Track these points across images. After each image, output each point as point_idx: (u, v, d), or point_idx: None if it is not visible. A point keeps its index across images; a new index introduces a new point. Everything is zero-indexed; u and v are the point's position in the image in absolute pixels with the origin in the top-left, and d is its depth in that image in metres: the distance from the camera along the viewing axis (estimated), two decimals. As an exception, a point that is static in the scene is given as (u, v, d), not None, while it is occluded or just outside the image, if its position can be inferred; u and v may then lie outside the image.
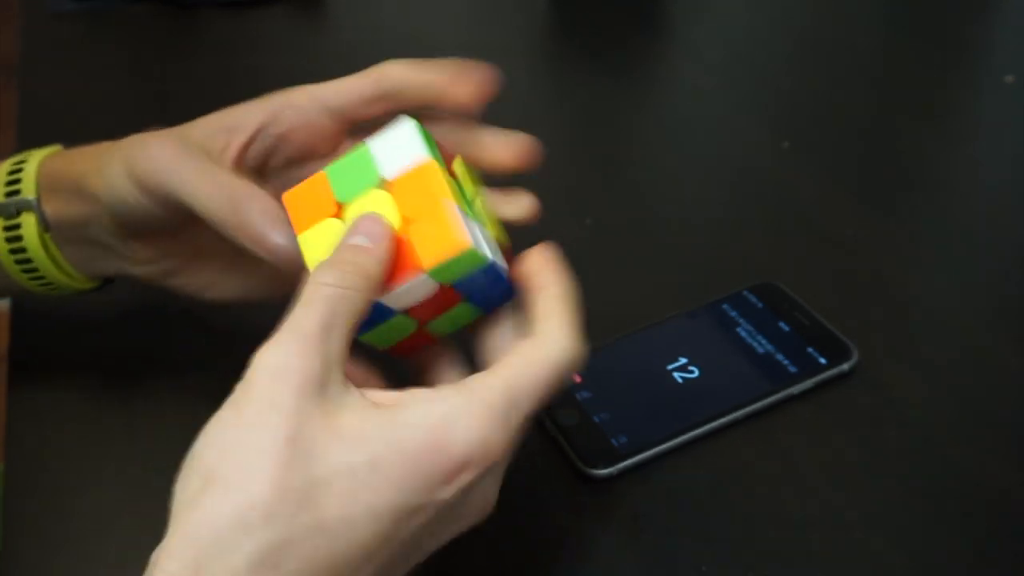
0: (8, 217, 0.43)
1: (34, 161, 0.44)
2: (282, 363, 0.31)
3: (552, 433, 0.44)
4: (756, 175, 0.62)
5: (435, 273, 0.34)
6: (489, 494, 0.34)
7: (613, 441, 0.44)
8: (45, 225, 0.43)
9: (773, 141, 0.65)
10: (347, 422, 0.30)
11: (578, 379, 0.46)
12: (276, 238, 0.38)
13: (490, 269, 0.35)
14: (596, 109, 0.70)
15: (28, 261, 0.44)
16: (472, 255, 0.34)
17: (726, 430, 0.45)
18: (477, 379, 0.33)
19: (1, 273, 0.45)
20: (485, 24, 0.81)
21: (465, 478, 0.31)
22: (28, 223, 0.43)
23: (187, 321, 0.51)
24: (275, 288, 0.43)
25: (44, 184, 0.43)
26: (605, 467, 0.43)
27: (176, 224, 0.42)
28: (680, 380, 0.46)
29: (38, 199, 0.43)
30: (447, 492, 0.31)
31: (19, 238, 0.43)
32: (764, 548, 0.40)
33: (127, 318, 0.52)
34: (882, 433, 0.45)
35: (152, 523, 0.43)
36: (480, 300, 0.37)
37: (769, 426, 0.45)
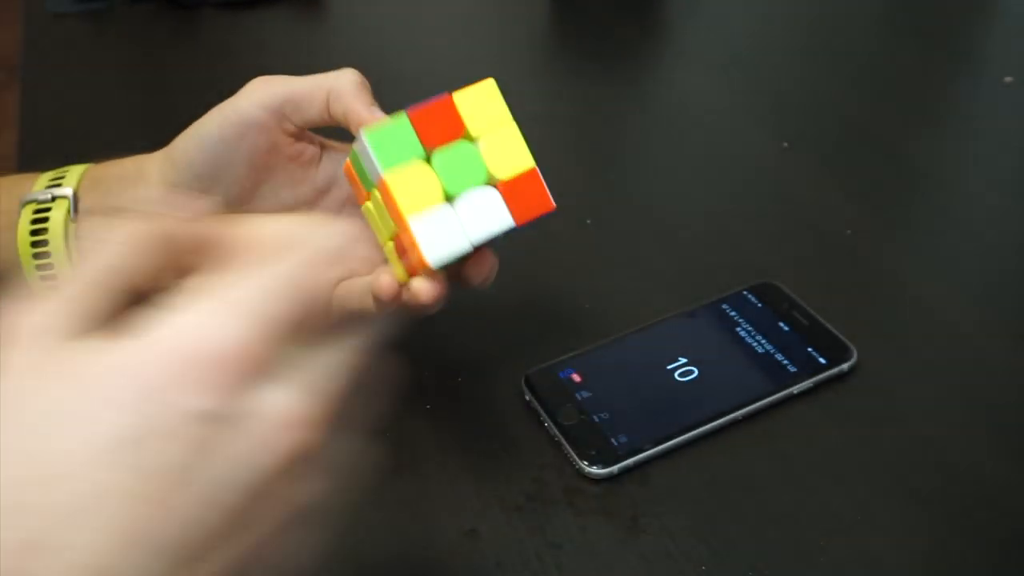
0: (41, 203, 0.45)
1: (82, 166, 0.47)
2: (21, 319, 0.27)
3: (552, 433, 0.44)
4: (756, 175, 0.62)
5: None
6: (273, 407, 0.26)
7: (613, 441, 0.44)
8: (74, 215, 0.45)
9: (773, 141, 0.65)
10: (66, 359, 0.25)
11: (578, 379, 0.46)
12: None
13: None
14: (596, 109, 0.70)
15: (45, 247, 0.45)
16: None
17: (726, 430, 0.45)
18: None
19: (8, 267, 0.45)
20: (485, 24, 0.81)
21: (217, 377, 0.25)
22: (59, 207, 0.45)
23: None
24: None
25: (86, 182, 0.46)
26: (605, 467, 0.43)
27: (238, 199, 0.44)
28: (680, 380, 0.46)
29: (75, 192, 0.45)
30: (192, 398, 0.25)
31: (45, 219, 0.45)
32: (764, 548, 0.40)
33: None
34: (882, 433, 0.45)
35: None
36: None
37: (769, 426, 0.45)
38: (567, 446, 0.44)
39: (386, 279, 0.38)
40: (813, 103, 0.70)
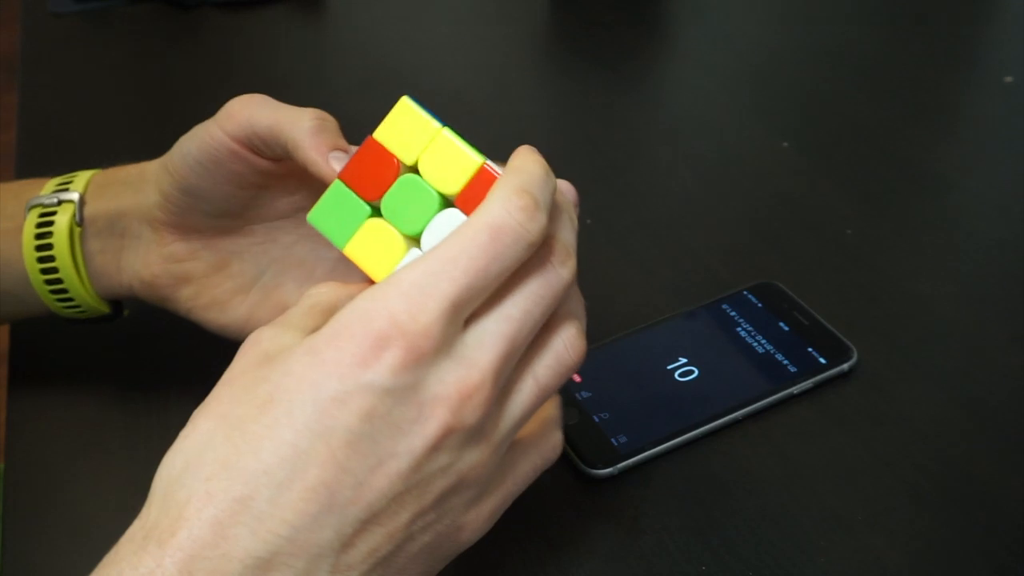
0: (47, 206, 0.45)
1: (89, 172, 0.47)
2: (251, 337, 0.33)
3: (552, 433, 0.44)
4: (756, 175, 0.62)
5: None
6: (453, 382, 0.30)
7: (613, 441, 0.44)
8: (80, 219, 0.45)
9: (773, 141, 0.65)
10: (278, 355, 0.31)
11: (578, 379, 0.46)
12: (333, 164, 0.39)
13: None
14: (596, 109, 0.70)
15: (49, 251, 0.45)
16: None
17: (726, 430, 0.45)
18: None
19: (14, 282, 0.46)
20: (485, 24, 0.81)
21: (387, 357, 0.29)
22: (64, 211, 0.45)
23: (188, 322, 0.51)
24: None
25: (93, 187, 0.46)
26: (605, 467, 0.43)
27: (229, 213, 0.44)
28: (680, 380, 0.46)
29: (82, 197, 0.45)
30: (369, 375, 0.29)
31: (50, 223, 0.45)
32: (764, 548, 0.40)
33: (127, 319, 0.52)
34: (882, 433, 0.45)
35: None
36: None
37: (769, 426, 0.45)
38: (567, 446, 0.44)
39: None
40: (813, 103, 0.70)
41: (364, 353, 0.29)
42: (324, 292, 0.35)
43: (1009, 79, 0.71)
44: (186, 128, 0.43)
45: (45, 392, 0.49)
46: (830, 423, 0.45)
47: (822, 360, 0.47)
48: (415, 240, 0.35)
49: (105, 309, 0.47)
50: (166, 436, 0.46)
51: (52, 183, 0.46)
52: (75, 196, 0.45)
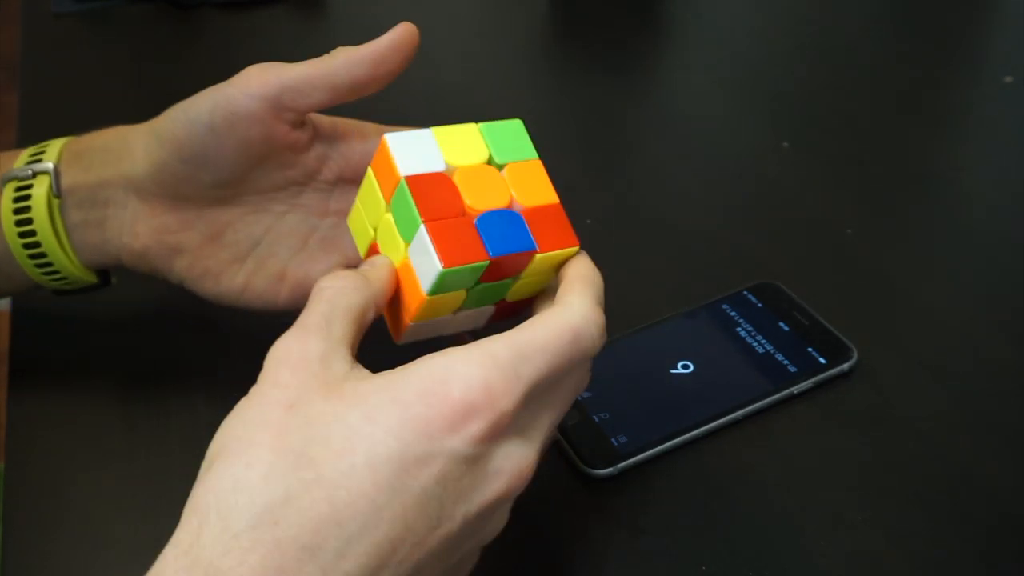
0: (22, 180, 0.44)
1: (61, 140, 0.46)
2: (284, 348, 0.32)
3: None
4: (756, 175, 0.62)
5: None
6: (517, 459, 0.32)
7: (613, 441, 0.44)
8: (57, 190, 0.44)
9: (773, 141, 0.65)
10: (348, 388, 0.31)
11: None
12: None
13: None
14: (596, 109, 0.70)
15: (29, 225, 0.44)
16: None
17: (726, 430, 0.45)
18: (486, 339, 0.33)
19: (3, 259, 0.45)
20: (485, 24, 0.81)
21: (473, 427, 0.30)
22: (40, 183, 0.44)
23: (188, 322, 0.51)
24: (274, 294, 0.45)
25: (67, 155, 0.45)
26: (605, 467, 0.43)
27: (228, 183, 0.43)
28: (680, 380, 0.46)
29: (56, 167, 0.44)
30: (454, 441, 0.30)
31: (27, 197, 0.44)
32: (764, 548, 0.40)
33: (127, 319, 0.52)
34: (882, 433, 0.45)
35: (152, 522, 0.43)
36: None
37: (769, 426, 0.45)
38: (567, 446, 0.44)
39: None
40: (813, 103, 0.70)
41: (455, 418, 0.30)
42: (348, 294, 0.35)
43: (1009, 79, 0.71)
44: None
45: (45, 392, 0.49)
46: (830, 423, 0.45)
47: (822, 360, 0.47)
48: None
49: (92, 279, 0.47)
50: (166, 436, 0.46)
51: (25, 154, 0.45)
52: (49, 167, 0.44)
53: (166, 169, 0.42)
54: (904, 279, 0.53)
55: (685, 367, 0.47)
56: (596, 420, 0.45)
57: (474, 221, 0.36)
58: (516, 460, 0.32)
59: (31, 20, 0.82)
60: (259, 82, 0.40)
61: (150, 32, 0.80)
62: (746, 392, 0.46)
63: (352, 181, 0.44)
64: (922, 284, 0.53)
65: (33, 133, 0.67)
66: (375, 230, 0.39)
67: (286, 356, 0.32)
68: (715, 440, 0.44)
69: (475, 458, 0.31)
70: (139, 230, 0.44)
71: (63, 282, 0.46)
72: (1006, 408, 0.46)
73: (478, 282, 0.36)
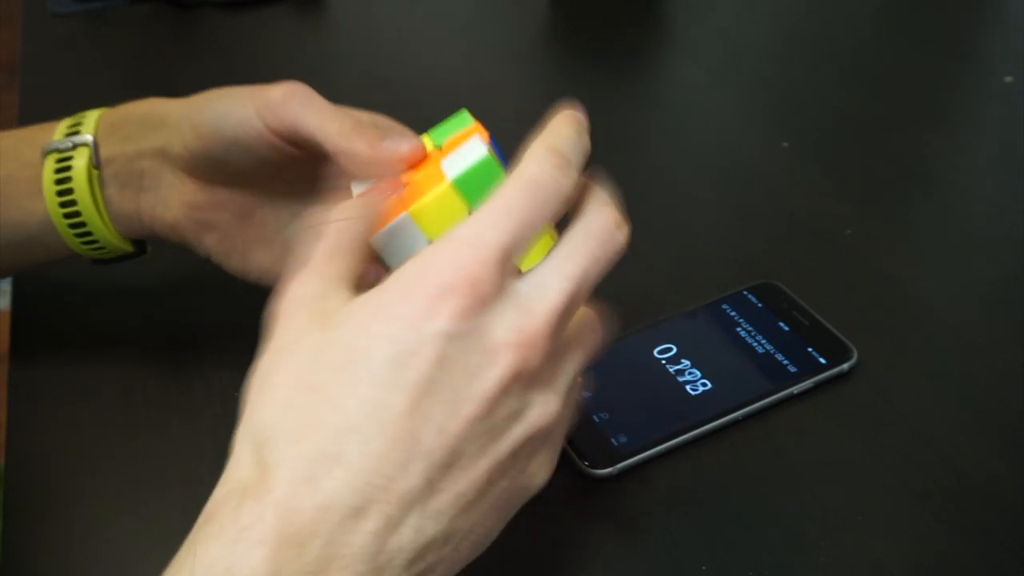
0: (63, 151, 0.45)
1: (97, 111, 0.47)
2: (287, 296, 0.34)
3: (552, 433, 0.44)
4: (756, 175, 0.62)
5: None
6: (517, 327, 0.32)
7: (613, 441, 0.44)
8: (96, 161, 0.45)
9: (773, 141, 0.65)
10: (342, 314, 0.32)
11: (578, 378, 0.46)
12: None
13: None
14: (596, 109, 0.69)
15: (70, 195, 0.45)
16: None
17: (726, 430, 0.45)
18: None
19: (39, 229, 0.46)
20: (485, 24, 0.81)
21: (453, 304, 0.31)
22: (80, 155, 0.45)
23: (188, 321, 0.51)
24: None
25: (103, 126, 0.46)
26: (605, 467, 0.43)
27: (259, 167, 0.44)
28: (680, 380, 0.46)
29: (95, 139, 0.45)
30: (438, 322, 0.31)
31: (68, 168, 0.45)
32: (764, 548, 0.40)
33: (128, 319, 0.52)
34: (882, 433, 0.45)
35: (153, 519, 0.43)
36: None
37: (769, 426, 0.45)
38: (567, 446, 0.44)
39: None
40: (813, 103, 0.70)
41: (432, 303, 0.31)
42: (351, 227, 0.36)
43: (1009, 79, 0.71)
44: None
45: (45, 392, 0.49)
46: (830, 423, 0.45)
47: (822, 360, 0.47)
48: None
49: (128, 248, 0.48)
50: (166, 436, 0.46)
51: (63, 126, 0.47)
52: (88, 139, 0.45)
53: (197, 157, 0.44)
54: (904, 279, 0.53)
55: (685, 367, 0.47)
56: (596, 420, 0.45)
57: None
58: (514, 329, 0.32)
59: (31, 20, 0.82)
60: (276, 118, 0.42)
61: (150, 32, 0.80)
62: (746, 392, 0.46)
63: None
64: (922, 284, 0.53)
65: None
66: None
67: (289, 303, 0.34)
68: (715, 440, 0.44)
69: (466, 333, 0.31)
70: (171, 204, 0.46)
71: (101, 251, 0.48)
72: (1006, 408, 0.46)
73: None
